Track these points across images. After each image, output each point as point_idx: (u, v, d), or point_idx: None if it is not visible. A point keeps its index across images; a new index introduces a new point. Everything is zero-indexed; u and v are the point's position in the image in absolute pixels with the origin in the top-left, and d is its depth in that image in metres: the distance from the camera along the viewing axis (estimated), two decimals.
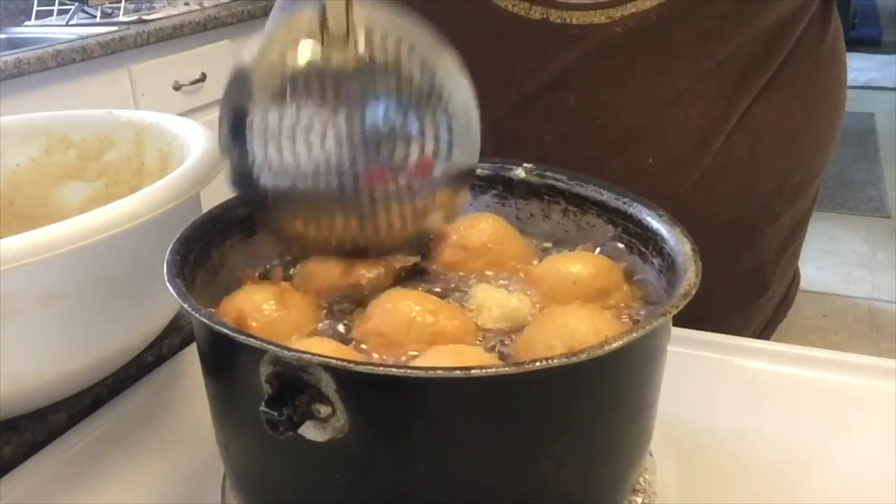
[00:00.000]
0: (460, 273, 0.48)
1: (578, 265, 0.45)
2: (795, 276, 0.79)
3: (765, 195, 0.67)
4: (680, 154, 0.63)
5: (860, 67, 4.83)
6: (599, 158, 0.62)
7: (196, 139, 0.56)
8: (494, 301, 0.44)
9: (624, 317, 0.44)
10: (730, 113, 0.63)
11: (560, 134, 0.63)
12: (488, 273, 0.48)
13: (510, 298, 0.44)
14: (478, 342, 0.42)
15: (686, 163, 0.63)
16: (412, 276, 0.48)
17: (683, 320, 0.54)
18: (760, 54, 0.63)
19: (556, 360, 0.32)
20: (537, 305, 0.45)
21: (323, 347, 0.39)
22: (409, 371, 0.33)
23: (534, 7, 0.61)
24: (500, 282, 0.47)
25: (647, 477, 0.44)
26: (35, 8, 2.29)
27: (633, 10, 0.59)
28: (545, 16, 0.61)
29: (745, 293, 0.71)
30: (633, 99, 0.62)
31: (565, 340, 0.39)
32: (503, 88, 0.63)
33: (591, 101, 0.62)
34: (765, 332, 0.75)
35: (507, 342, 0.42)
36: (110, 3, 2.27)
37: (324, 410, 0.33)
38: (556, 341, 0.39)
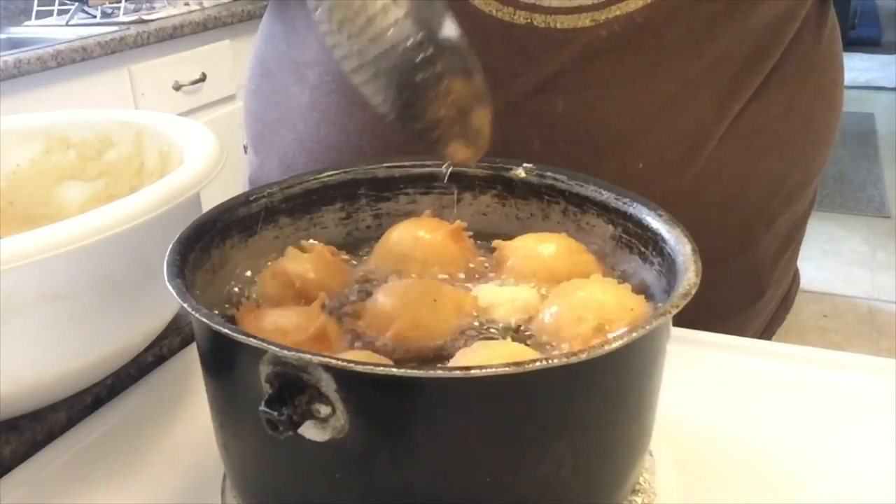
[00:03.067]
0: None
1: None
2: (795, 278, 0.78)
3: (759, 199, 0.66)
4: (671, 158, 0.62)
5: (860, 67, 4.83)
6: (588, 164, 0.61)
7: (196, 139, 0.56)
8: (504, 297, 0.44)
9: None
10: (722, 116, 0.62)
11: (548, 139, 0.62)
12: (461, 276, 0.48)
13: (517, 291, 0.45)
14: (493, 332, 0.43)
15: (677, 167, 0.62)
16: None
17: (681, 323, 0.54)
18: (753, 56, 0.62)
19: (555, 360, 0.33)
20: (542, 291, 0.45)
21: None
22: (408, 371, 0.33)
23: (518, 12, 0.60)
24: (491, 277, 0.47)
25: (647, 477, 0.44)
26: (35, 8, 2.30)
27: (618, 12, 0.58)
28: (529, 20, 0.59)
29: (741, 298, 0.70)
30: (622, 103, 0.61)
31: (596, 313, 0.40)
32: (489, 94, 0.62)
33: (579, 106, 0.61)
34: (763, 336, 0.75)
35: (526, 331, 0.43)
36: (110, 3, 2.27)
37: (324, 410, 0.33)
38: (587, 314, 0.40)
